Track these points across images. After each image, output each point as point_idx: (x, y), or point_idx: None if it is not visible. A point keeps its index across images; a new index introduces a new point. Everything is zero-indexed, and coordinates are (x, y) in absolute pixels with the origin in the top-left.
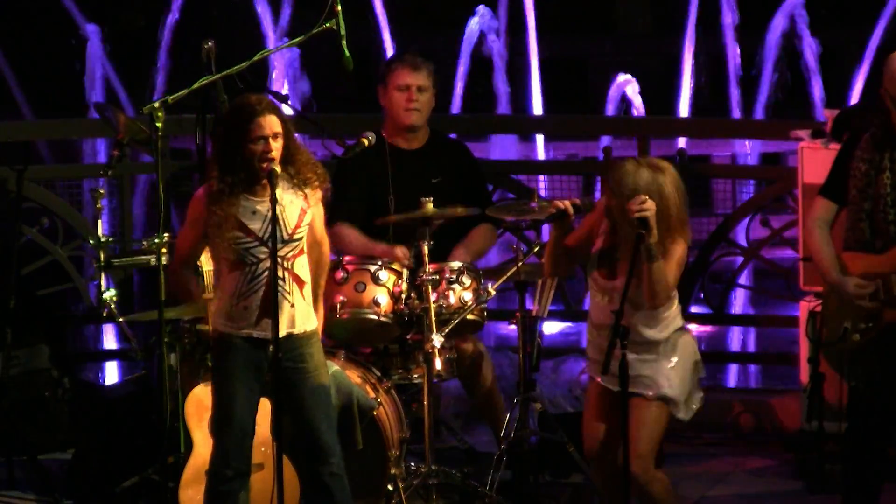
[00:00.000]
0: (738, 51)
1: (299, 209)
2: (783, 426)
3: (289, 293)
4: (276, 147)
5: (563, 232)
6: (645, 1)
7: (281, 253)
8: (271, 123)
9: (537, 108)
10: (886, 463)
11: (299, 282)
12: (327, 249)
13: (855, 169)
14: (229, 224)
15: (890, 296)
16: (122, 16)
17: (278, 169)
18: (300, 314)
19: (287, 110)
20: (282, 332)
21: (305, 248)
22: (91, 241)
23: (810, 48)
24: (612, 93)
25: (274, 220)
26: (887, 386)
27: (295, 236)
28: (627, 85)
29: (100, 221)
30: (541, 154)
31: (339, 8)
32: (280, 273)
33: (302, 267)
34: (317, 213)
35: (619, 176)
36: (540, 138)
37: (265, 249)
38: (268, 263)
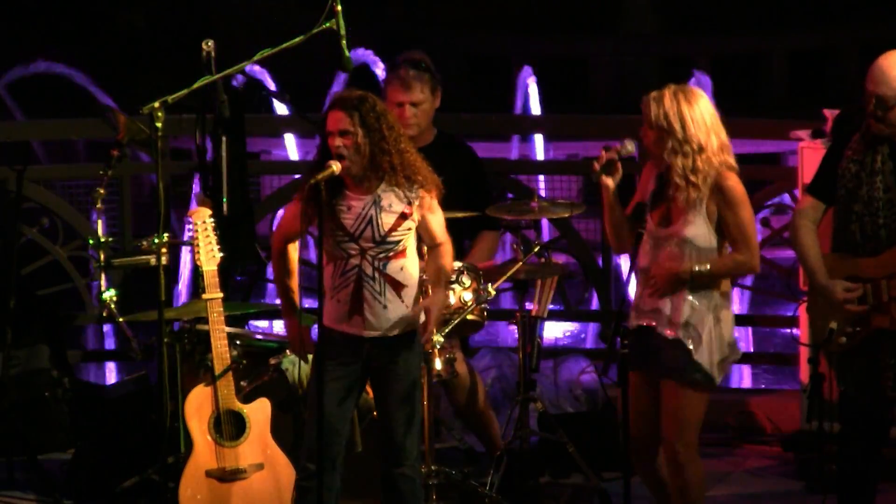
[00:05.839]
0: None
1: (400, 213)
2: (783, 426)
3: (379, 293)
4: (343, 144)
5: (615, 192)
6: (646, 1)
7: (372, 252)
8: (335, 119)
9: (537, 108)
10: (880, 463)
11: (395, 284)
12: (448, 249)
13: (845, 169)
14: (329, 216)
15: (879, 301)
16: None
17: (336, 168)
18: (395, 317)
19: (285, 110)
20: (373, 333)
21: (409, 253)
22: (91, 241)
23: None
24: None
25: (321, 214)
26: (876, 391)
27: (388, 239)
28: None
29: (100, 221)
30: (540, 154)
31: (339, 8)
32: (369, 272)
33: (400, 270)
34: (431, 217)
35: (642, 106)
36: (540, 138)
37: (355, 246)
38: (357, 260)
